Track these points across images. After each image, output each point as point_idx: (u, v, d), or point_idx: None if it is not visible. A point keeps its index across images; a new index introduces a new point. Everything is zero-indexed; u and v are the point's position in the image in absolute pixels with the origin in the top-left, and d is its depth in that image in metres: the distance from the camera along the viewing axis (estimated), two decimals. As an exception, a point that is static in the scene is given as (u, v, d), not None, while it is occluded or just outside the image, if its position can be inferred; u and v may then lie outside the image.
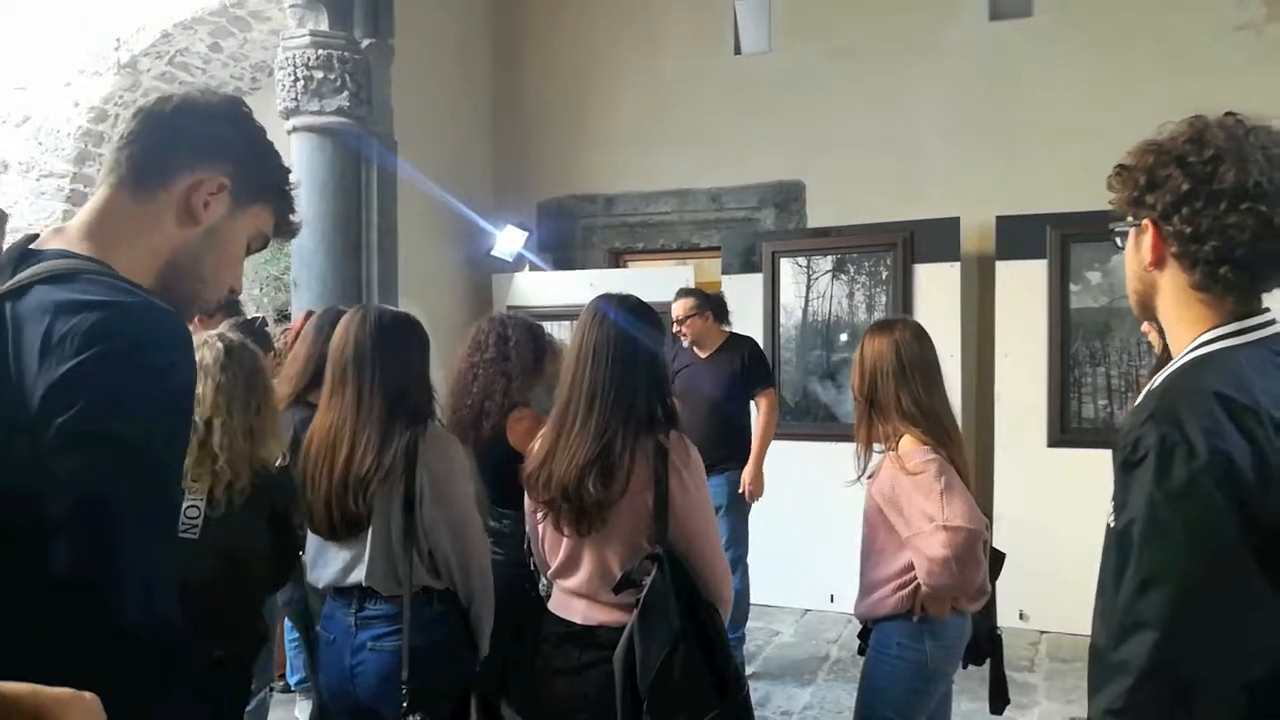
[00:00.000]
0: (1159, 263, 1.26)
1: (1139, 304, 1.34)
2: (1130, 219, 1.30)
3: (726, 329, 4.66)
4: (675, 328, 4.49)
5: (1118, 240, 1.35)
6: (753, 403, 4.58)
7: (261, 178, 1.25)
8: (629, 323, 2.05)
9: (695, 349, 4.55)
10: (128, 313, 1.00)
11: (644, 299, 2.17)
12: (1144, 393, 1.24)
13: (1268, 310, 1.24)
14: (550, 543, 2.11)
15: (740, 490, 4.43)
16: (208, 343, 2.31)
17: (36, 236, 1.13)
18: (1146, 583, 1.11)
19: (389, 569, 2.18)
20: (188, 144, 1.18)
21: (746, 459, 4.46)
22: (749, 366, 4.54)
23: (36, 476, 0.92)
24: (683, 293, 4.64)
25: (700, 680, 1.93)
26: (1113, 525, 1.22)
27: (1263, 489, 1.08)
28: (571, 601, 2.07)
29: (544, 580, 2.43)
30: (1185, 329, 1.25)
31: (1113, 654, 1.14)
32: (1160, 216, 1.24)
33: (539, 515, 2.11)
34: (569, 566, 2.07)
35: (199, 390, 2.23)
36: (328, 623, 2.29)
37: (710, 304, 4.60)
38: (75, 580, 0.93)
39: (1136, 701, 1.10)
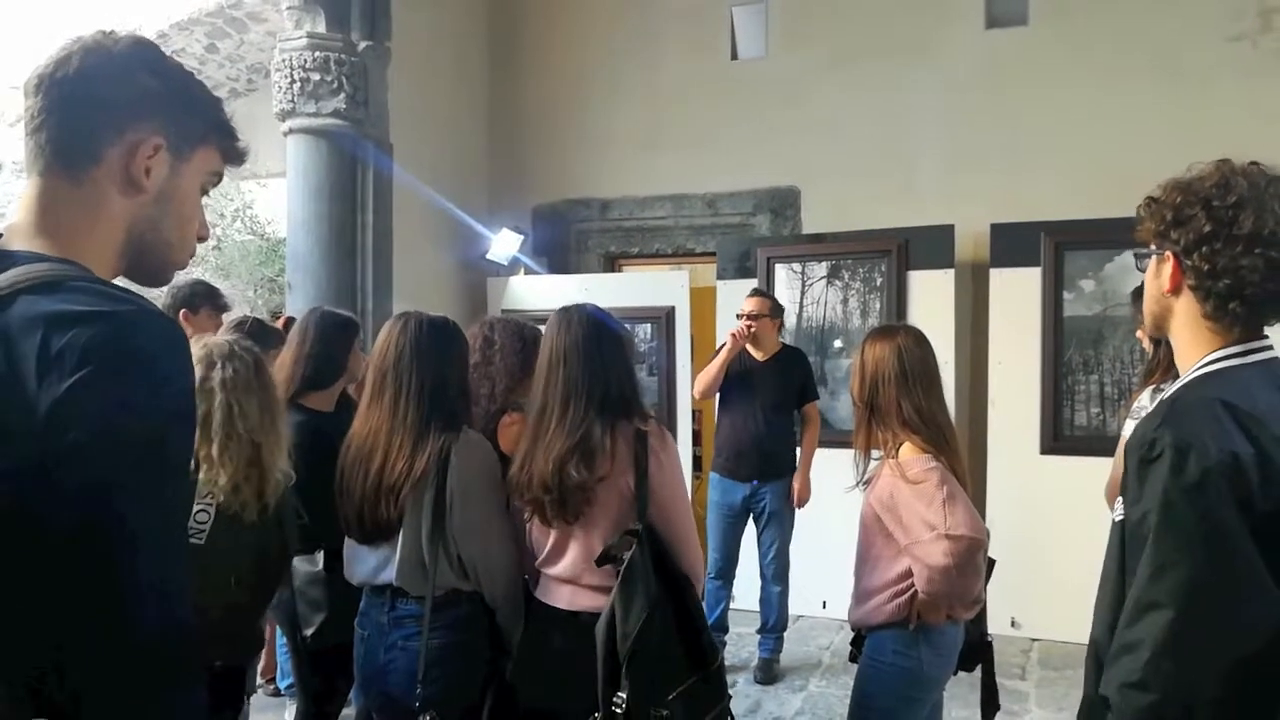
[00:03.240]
0: (1176, 290, 1.40)
1: (1154, 323, 1.48)
2: (1154, 248, 1.44)
3: (781, 340, 4.76)
4: (742, 320, 4.56)
5: (1138, 264, 1.49)
6: (797, 412, 4.68)
7: (196, 121, 1.15)
8: (593, 324, 2.21)
9: (751, 350, 4.59)
10: (123, 323, 0.98)
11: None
12: (1155, 402, 1.38)
13: (1267, 339, 1.39)
14: (537, 535, 2.23)
15: (790, 496, 4.53)
16: (211, 346, 2.30)
17: None
18: (1162, 567, 1.23)
19: (419, 571, 2.24)
20: (106, 110, 1.08)
21: (794, 466, 4.58)
22: (803, 379, 4.64)
23: (48, 490, 0.92)
24: (757, 291, 4.80)
25: (676, 647, 2.06)
26: (1119, 519, 1.37)
27: (1263, 484, 1.21)
28: (557, 588, 2.20)
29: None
30: (1194, 350, 1.39)
31: (1126, 633, 1.26)
32: (1182, 251, 1.37)
33: (525, 515, 2.22)
34: (556, 553, 2.19)
35: (221, 398, 2.23)
36: (363, 619, 2.36)
37: (780, 313, 4.70)
38: (94, 590, 0.93)
39: (1151, 674, 1.21)
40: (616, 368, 2.19)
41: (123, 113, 1.08)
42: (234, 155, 1.21)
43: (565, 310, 2.26)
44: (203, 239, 1.21)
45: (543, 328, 3.06)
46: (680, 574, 2.12)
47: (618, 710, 1.99)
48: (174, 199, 1.14)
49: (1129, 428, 2.72)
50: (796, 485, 4.54)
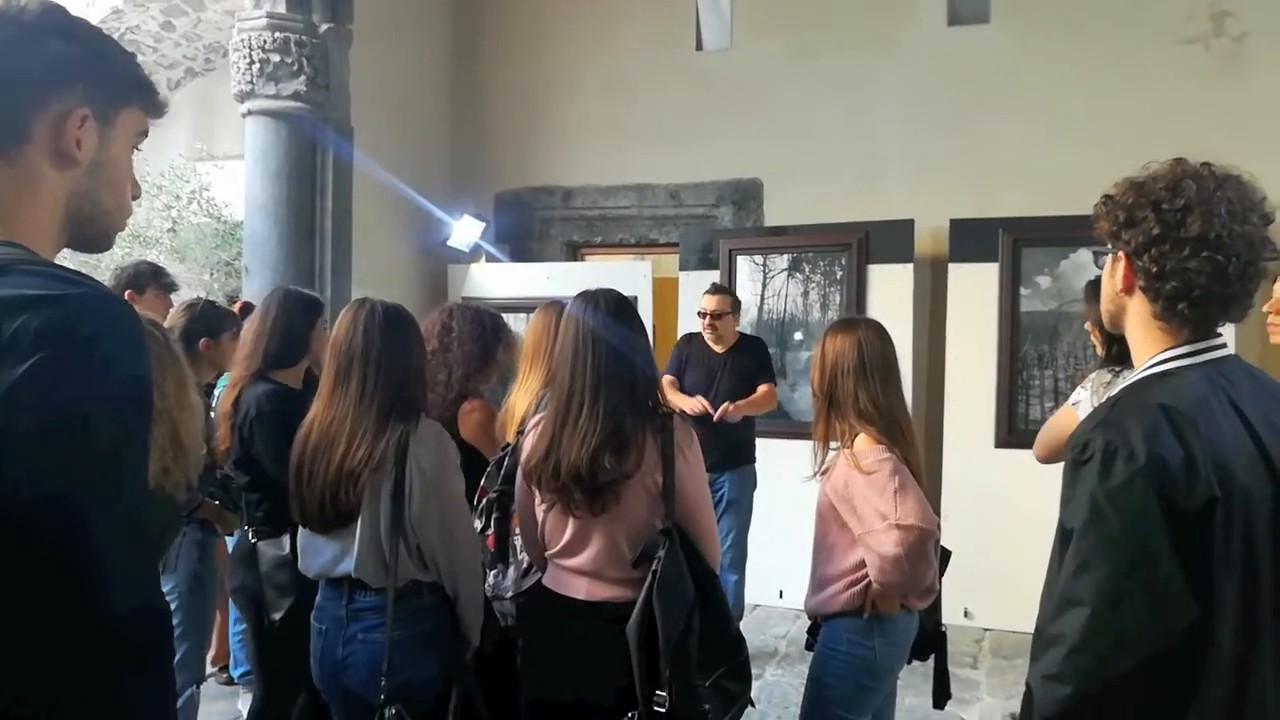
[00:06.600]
0: (1129, 290, 1.42)
1: (1110, 320, 1.51)
2: (1109, 246, 1.46)
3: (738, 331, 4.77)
4: (704, 321, 4.57)
5: (1097, 261, 1.52)
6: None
7: (117, 83, 1.12)
8: (620, 309, 2.18)
9: (711, 343, 4.61)
10: (77, 306, 0.96)
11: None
12: (1102, 400, 1.36)
13: (1219, 335, 1.40)
14: (553, 526, 2.18)
15: (748, 484, 4.56)
16: None
17: None
18: (1084, 566, 1.27)
19: (378, 562, 2.19)
20: (26, 85, 1.04)
21: (753, 456, 4.62)
22: (758, 364, 4.66)
23: (4, 478, 0.90)
24: (717, 288, 4.73)
25: (710, 643, 2.07)
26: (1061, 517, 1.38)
27: (1188, 485, 1.24)
28: (572, 579, 2.16)
29: (502, 571, 2.43)
30: (1146, 348, 1.43)
31: (1049, 627, 1.30)
32: (1132, 252, 1.39)
33: (544, 506, 2.17)
34: (575, 546, 2.15)
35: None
36: (320, 613, 2.30)
37: (738, 307, 4.70)
38: (57, 583, 0.91)
39: (1068, 668, 1.26)
40: (642, 356, 2.16)
41: (43, 84, 1.05)
42: (155, 110, 1.18)
43: (590, 294, 2.20)
44: (135, 197, 1.19)
45: (505, 315, 3.06)
46: (707, 569, 2.13)
47: (660, 710, 2.00)
48: (106, 167, 1.12)
49: (1077, 393, 2.83)
50: (729, 406, 4.30)
